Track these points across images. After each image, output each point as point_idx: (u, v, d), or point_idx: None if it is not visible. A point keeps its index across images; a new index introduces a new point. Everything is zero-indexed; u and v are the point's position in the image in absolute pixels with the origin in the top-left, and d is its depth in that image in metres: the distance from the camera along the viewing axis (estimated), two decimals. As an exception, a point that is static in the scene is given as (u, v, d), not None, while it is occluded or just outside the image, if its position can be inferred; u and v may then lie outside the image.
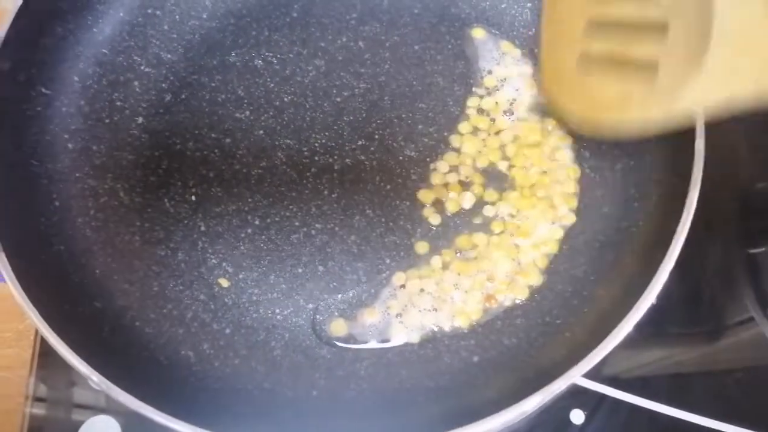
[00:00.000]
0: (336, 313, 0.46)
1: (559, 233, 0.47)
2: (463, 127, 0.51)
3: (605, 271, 0.44)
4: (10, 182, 0.44)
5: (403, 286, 0.46)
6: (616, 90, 0.41)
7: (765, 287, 0.51)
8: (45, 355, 0.49)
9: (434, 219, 0.48)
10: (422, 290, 0.46)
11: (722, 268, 0.53)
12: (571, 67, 0.44)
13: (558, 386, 0.36)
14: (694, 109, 0.37)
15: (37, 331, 0.48)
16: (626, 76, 0.40)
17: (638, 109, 0.39)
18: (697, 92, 0.35)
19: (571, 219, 0.47)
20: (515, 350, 0.44)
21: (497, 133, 0.50)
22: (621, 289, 0.42)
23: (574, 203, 0.48)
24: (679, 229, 0.39)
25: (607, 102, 0.42)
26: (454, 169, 0.49)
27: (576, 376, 0.36)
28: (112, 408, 0.47)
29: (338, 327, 0.45)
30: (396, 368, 0.44)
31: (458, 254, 0.47)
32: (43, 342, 0.48)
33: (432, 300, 0.46)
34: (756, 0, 0.33)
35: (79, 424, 0.46)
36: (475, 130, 0.51)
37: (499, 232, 0.47)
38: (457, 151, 0.50)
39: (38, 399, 0.48)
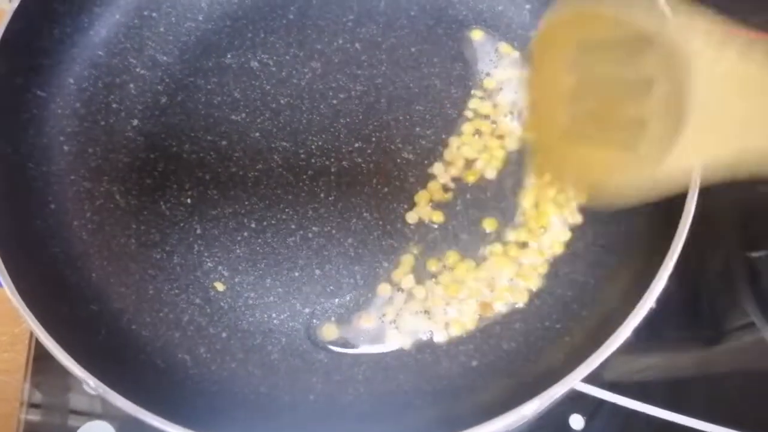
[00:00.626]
0: (333, 318, 0.45)
1: (567, 235, 0.47)
2: (464, 129, 0.50)
3: (605, 276, 0.44)
4: (6, 185, 0.44)
5: (400, 289, 0.46)
6: (604, 155, 0.40)
7: (765, 291, 0.50)
8: (40, 359, 0.48)
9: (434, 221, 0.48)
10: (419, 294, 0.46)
11: (722, 272, 0.53)
12: (558, 134, 0.43)
13: (557, 391, 0.36)
14: (681, 172, 0.36)
15: (32, 335, 0.48)
16: (612, 139, 0.39)
17: (626, 172, 0.39)
18: (681, 155, 0.35)
19: (577, 219, 0.47)
20: (514, 355, 0.44)
21: (499, 137, 0.50)
22: (620, 293, 0.42)
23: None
24: (678, 232, 0.39)
25: (595, 167, 0.41)
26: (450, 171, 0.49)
27: (575, 380, 0.36)
28: (107, 413, 0.46)
29: (333, 331, 0.45)
30: (393, 372, 0.44)
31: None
32: (38, 346, 0.48)
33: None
34: (728, 73, 0.33)
35: (75, 429, 0.46)
36: (476, 133, 0.50)
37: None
38: (456, 153, 0.50)
39: (33, 405, 0.47)
